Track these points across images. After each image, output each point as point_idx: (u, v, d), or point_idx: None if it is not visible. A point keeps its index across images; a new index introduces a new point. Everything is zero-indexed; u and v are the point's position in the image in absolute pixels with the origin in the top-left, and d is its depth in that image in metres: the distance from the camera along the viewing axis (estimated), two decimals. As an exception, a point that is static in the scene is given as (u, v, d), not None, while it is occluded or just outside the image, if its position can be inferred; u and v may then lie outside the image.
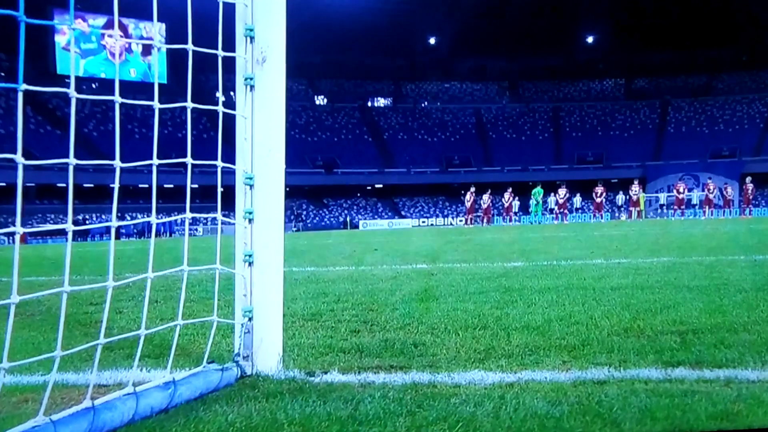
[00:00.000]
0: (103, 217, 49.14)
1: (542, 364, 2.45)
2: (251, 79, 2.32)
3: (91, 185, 55.53)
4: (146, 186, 59.88)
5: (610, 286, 4.57)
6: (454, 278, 5.40)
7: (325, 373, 2.36)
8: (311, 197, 65.01)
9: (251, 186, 2.32)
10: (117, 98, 2.10)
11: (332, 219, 61.35)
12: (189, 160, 2.26)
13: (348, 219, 58.93)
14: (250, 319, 2.30)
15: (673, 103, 69.15)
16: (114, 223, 2.04)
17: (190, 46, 1.98)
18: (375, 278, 5.64)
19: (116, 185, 2.24)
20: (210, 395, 2.11)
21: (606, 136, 66.38)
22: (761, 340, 2.71)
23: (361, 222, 58.76)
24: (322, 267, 7.23)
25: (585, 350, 2.63)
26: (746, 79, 68.53)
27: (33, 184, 54.37)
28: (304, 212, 62.78)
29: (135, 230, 46.09)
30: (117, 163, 2.11)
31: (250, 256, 2.30)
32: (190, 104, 2.22)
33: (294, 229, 55.90)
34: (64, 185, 53.81)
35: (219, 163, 2.33)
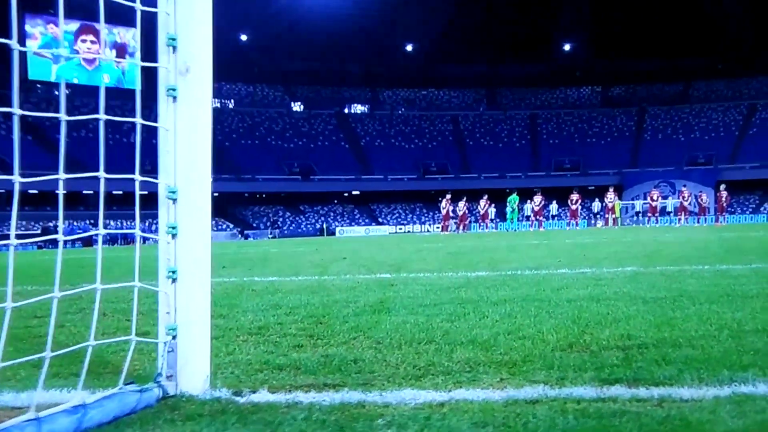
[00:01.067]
0: (75, 223, 48.57)
1: (479, 381, 2.39)
2: (174, 90, 2.23)
3: (65, 192, 54.86)
4: (120, 192, 59.39)
5: (566, 298, 4.53)
6: (413, 289, 5.34)
7: (254, 392, 2.28)
8: (287, 204, 64.77)
9: (174, 200, 2.24)
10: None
11: (309, 226, 61.13)
12: (101, 174, 2.18)
13: (324, 226, 58.75)
14: (174, 338, 2.21)
15: (649, 110, 69.90)
16: (60, 236, 1.96)
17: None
18: (334, 289, 5.56)
19: (60, 193, 2.20)
20: (125, 419, 2.02)
21: (583, 143, 66.88)
22: (703, 355, 2.67)
23: (337, 229, 58.66)
24: (284, 277, 7.13)
25: (525, 367, 2.58)
26: (722, 86, 69.49)
27: (3, 191, 53.64)
28: (281, 219, 62.51)
29: (108, 237, 45.54)
30: (61, 176, 2.00)
31: (173, 272, 2.21)
32: (102, 116, 2.14)
33: (270, 236, 55.58)
34: (36, 192, 53.26)
35: (137, 176, 2.24)
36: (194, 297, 2.23)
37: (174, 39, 2.23)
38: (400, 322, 3.69)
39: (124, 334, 2.95)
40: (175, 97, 2.24)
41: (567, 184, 51.82)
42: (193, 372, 2.23)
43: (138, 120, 2.26)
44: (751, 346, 2.81)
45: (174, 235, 2.22)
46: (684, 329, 3.24)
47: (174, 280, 2.21)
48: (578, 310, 3.95)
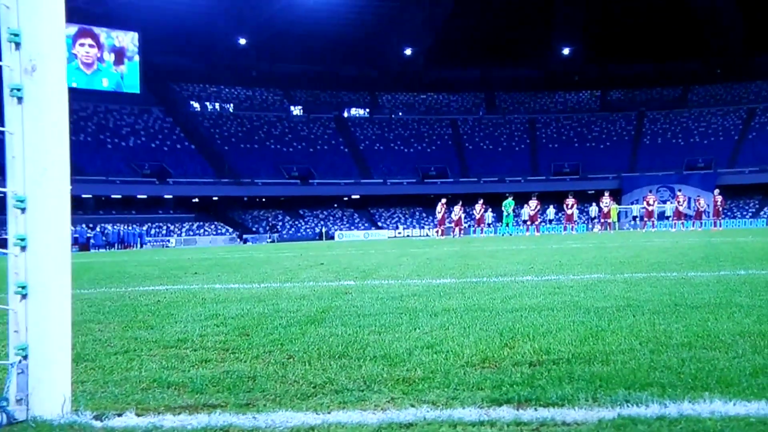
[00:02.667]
0: (71, 228, 48.45)
1: (366, 401, 2.29)
2: (19, 90, 2.10)
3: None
4: (119, 196, 59.44)
5: (512, 307, 4.44)
6: (365, 298, 5.25)
7: (119, 415, 2.16)
8: (287, 208, 64.78)
9: (23, 209, 2.11)
10: None
11: (308, 230, 61.12)
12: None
13: (323, 230, 58.72)
14: (24, 358, 2.10)
15: (648, 115, 69.85)
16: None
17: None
18: (285, 297, 5.46)
19: None
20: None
21: (582, 147, 66.84)
22: (611, 372, 2.57)
23: (336, 233, 58.64)
24: (246, 284, 7.04)
25: (422, 385, 2.48)
26: (721, 91, 69.45)
27: None
28: (280, 223, 62.50)
29: (105, 242, 45.50)
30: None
31: (23, 287, 2.09)
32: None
33: (269, 240, 55.60)
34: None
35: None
36: (49, 314, 2.11)
37: (17, 35, 2.11)
38: (327, 334, 3.59)
39: None
40: (20, 98, 2.11)
41: (566, 188, 51.73)
42: (47, 395, 2.11)
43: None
44: (666, 362, 2.71)
45: (23, 248, 2.10)
46: (608, 342, 3.14)
47: (24, 296, 2.09)
48: (515, 320, 3.86)
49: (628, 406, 2.14)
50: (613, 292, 5.14)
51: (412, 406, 2.22)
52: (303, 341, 3.39)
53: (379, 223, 63.36)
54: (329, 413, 2.17)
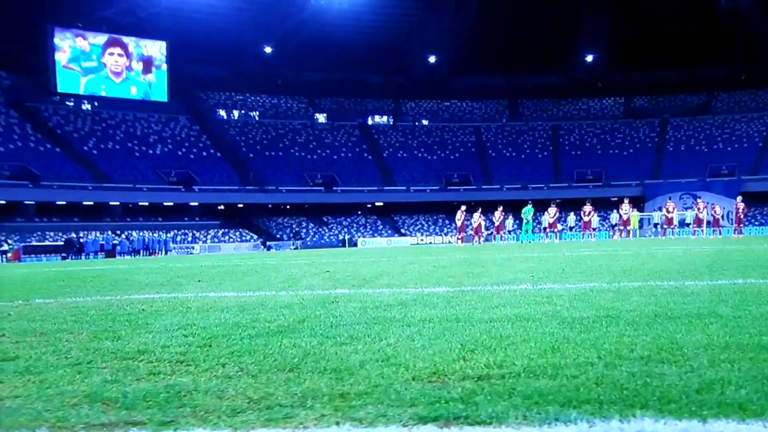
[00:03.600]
0: (98, 235, 49.13)
1: (291, 419, 2.23)
2: None
3: (91, 203, 55.76)
4: (145, 204, 60.15)
5: (491, 317, 4.37)
6: (351, 306, 5.21)
7: (29, 433, 2.15)
8: (311, 215, 65.05)
9: None
10: None
11: (332, 237, 61.31)
12: None
13: (347, 237, 58.82)
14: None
15: (672, 121, 69.12)
16: None
17: None
18: (270, 306, 5.44)
19: None
20: None
21: (605, 154, 66.32)
22: (554, 388, 2.49)
23: (359, 240, 58.71)
24: (241, 292, 7.03)
25: (358, 400, 2.42)
26: (745, 97, 68.49)
27: (33, 202, 54.60)
28: (304, 230, 62.74)
29: (131, 248, 46.01)
30: None
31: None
32: None
33: (292, 247, 55.83)
34: (64, 203, 54.11)
35: None
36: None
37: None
38: (289, 345, 3.55)
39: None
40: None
41: (589, 195, 51.24)
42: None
43: None
44: (616, 377, 2.63)
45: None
46: (567, 355, 3.07)
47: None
48: (485, 331, 3.79)
49: (555, 425, 2.09)
50: (599, 302, 5.05)
51: (337, 424, 2.18)
52: (261, 353, 3.36)
53: (402, 230, 63.35)
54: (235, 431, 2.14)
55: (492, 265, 11.08)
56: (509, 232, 38.45)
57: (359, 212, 66.12)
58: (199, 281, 9.14)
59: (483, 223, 34.31)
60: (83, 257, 42.24)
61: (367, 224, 64.83)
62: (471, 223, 33.42)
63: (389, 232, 63.06)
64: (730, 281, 6.63)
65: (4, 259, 41.95)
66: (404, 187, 64.47)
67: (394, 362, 3.05)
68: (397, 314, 4.70)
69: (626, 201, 33.21)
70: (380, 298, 5.86)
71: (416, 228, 63.79)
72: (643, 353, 3.08)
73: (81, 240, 45.05)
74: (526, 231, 34.15)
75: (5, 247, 44.46)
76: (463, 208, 33.02)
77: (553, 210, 32.76)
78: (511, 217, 38.00)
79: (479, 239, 33.24)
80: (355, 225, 64.25)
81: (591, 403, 2.31)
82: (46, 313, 5.21)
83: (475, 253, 17.75)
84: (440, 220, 64.44)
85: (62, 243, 45.25)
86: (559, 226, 34.49)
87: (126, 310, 5.38)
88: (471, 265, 11.50)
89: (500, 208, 33.84)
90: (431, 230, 62.61)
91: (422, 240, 58.40)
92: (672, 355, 3.02)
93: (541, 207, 36.23)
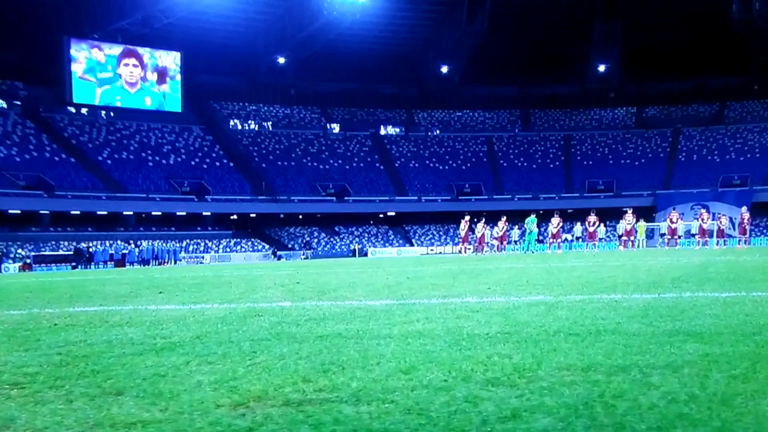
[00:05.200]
0: (108, 244, 49.53)
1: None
2: None
3: (105, 213, 56.26)
4: (158, 213, 60.55)
5: (389, 334, 4.25)
6: (267, 321, 5.13)
7: None
8: (322, 225, 65.17)
9: None
10: None
11: (343, 247, 61.37)
12: None
13: (357, 247, 58.84)
14: None
15: (684, 131, 68.62)
16: None
17: None
18: (189, 320, 5.38)
19: None
20: None
21: (617, 164, 65.96)
22: (357, 415, 2.44)
23: (370, 250, 58.70)
24: (183, 305, 7.01)
25: (147, 429, 2.41)
26: (758, 107, 67.88)
27: (47, 212, 55.15)
28: (315, 240, 62.83)
29: (140, 258, 46.36)
30: None
31: None
32: None
33: (302, 257, 55.93)
34: (78, 212, 54.63)
35: None
36: None
37: None
38: (148, 365, 3.44)
39: None
40: None
41: (600, 205, 50.98)
42: None
43: None
44: (435, 403, 2.53)
45: None
46: (413, 377, 2.97)
47: None
48: (365, 350, 3.71)
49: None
50: (517, 317, 4.96)
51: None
52: (106, 375, 3.26)
53: (414, 240, 63.27)
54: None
55: (464, 277, 11.00)
56: (515, 242, 38.26)
57: (371, 222, 66.15)
58: (160, 293, 9.15)
59: (488, 233, 34.15)
60: (93, 267, 42.64)
61: (379, 234, 64.82)
62: (475, 233, 33.27)
63: (400, 242, 63.00)
64: (678, 294, 6.53)
65: (16, 268, 42.44)
66: (416, 197, 64.45)
67: (231, 386, 2.94)
68: (303, 330, 4.64)
69: (629, 211, 32.94)
70: (308, 313, 5.82)
71: (427, 238, 63.68)
72: (492, 375, 3.01)
73: (90, 250, 45.45)
74: (529, 241, 33.92)
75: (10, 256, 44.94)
76: (467, 218, 32.90)
77: (556, 220, 32.56)
78: (516, 227, 37.81)
79: (482, 249, 33.08)
80: (366, 235, 64.27)
81: None
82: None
83: (466, 264, 17.64)
84: (451, 230, 64.18)
85: (72, 253, 45.70)
86: (565, 236, 34.24)
87: (41, 324, 5.35)
88: (444, 276, 11.42)
89: (504, 218, 33.68)
90: (442, 240, 62.47)
91: (432, 250, 58.28)
92: (517, 378, 2.94)
93: (551, 217, 35.91)
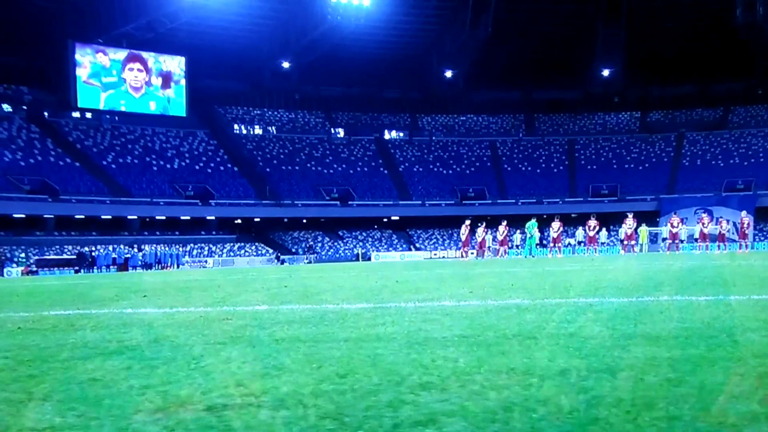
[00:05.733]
0: (111, 248, 49.63)
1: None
2: None
3: (109, 217, 56.44)
4: (163, 218, 60.71)
5: (346, 337, 4.21)
6: (234, 325, 5.13)
7: None
8: (326, 229, 65.18)
9: None
10: None
11: (347, 251, 61.36)
12: None
13: (361, 251, 58.83)
14: None
15: (687, 136, 68.49)
16: None
17: None
18: (176, 323, 5.39)
19: None
20: None
21: (621, 169, 65.88)
22: (269, 420, 2.42)
23: (374, 254, 58.67)
24: (159, 309, 6.99)
25: None
26: (762, 112, 67.77)
27: (52, 216, 55.34)
28: (319, 244, 62.85)
29: (143, 262, 46.45)
30: None
31: None
32: None
33: (306, 261, 55.96)
34: (82, 217, 54.83)
35: None
36: None
37: None
38: (93, 368, 3.41)
39: None
40: None
41: (604, 210, 50.92)
42: None
43: None
44: (351, 408, 2.53)
45: None
46: (341, 382, 2.93)
47: None
48: (312, 354, 3.68)
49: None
50: (480, 321, 4.90)
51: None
52: (40, 380, 3.17)
53: (417, 244, 63.24)
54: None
55: (452, 281, 10.96)
56: (517, 246, 38.20)
57: (375, 226, 66.13)
58: (144, 296, 9.15)
59: (489, 237, 34.10)
60: (95, 270, 42.75)
61: (382, 238, 64.81)
62: (475, 237, 33.24)
63: (404, 246, 62.97)
64: (655, 298, 6.45)
65: (19, 273, 42.58)
66: (419, 202, 64.43)
67: (156, 391, 2.85)
68: (262, 333, 4.59)
69: (630, 215, 32.88)
70: (279, 316, 5.78)
71: (431, 242, 63.63)
72: (427, 379, 2.95)
73: (93, 254, 45.58)
74: (530, 246, 33.87)
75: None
76: (468, 222, 32.90)
77: (556, 225, 32.52)
78: (517, 231, 37.75)
79: (482, 254, 33.05)
80: (370, 239, 64.26)
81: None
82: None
83: (461, 268, 17.60)
84: (455, 235, 63.95)
85: (75, 257, 45.84)
86: (568, 241, 34.18)
87: (6, 329, 5.36)
88: (432, 281, 11.39)
89: (504, 223, 33.63)
90: (446, 244, 62.39)
91: (435, 254, 58.22)
92: (452, 381, 2.88)
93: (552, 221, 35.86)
